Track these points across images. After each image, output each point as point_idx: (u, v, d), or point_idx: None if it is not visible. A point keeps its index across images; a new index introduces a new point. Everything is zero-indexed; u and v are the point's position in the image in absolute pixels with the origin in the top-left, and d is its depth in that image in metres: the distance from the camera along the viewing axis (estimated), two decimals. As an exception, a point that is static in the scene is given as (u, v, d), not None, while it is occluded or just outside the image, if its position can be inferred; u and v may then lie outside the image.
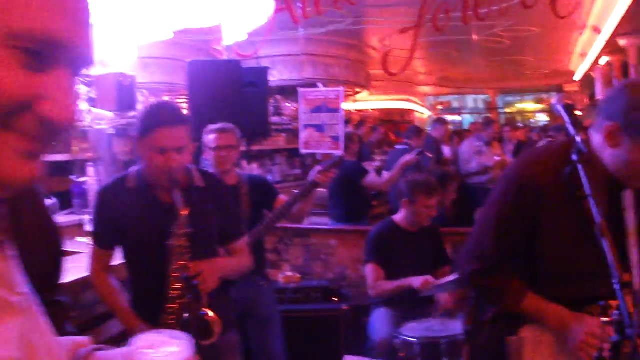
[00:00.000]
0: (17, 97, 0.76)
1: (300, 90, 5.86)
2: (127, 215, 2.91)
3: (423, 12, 5.19)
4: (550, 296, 2.32)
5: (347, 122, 13.17)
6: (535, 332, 2.35)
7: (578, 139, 2.00)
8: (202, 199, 2.95)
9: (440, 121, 10.10)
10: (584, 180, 1.93)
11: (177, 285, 2.65)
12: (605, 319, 1.89)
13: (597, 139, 2.16)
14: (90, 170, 5.95)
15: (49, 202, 5.50)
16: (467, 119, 21.35)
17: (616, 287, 1.76)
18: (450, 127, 10.56)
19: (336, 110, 5.62)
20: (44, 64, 0.78)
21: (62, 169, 6.04)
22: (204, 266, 2.75)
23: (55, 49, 0.77)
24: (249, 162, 9.09)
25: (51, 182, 5.99)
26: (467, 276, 2.49)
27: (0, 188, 0.81)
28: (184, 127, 2.78)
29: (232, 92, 5.58)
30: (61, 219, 5.39)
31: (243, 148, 6.80)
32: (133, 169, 3.01)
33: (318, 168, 4.21)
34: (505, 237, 2.36)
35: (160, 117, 2.75)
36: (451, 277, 4.18)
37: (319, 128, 5.64)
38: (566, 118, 2.06)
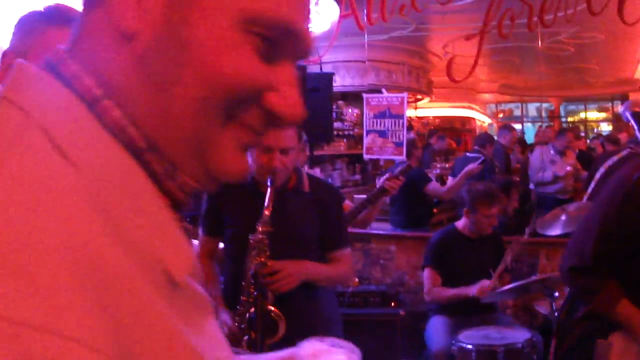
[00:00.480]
0: (251, 87, 0.71)
1: (365, 95, 5.91)
2: (230, 206, 3.01)
3: (488, 19, 5.17)
4: None
5: (409, 128, 13.20)
6: (625, 339, 2.34)
7: None
8: (305, 204, 3.00)
9: (507, 127, 9.85)
10: None
11: (251, 280, 2.70)
12: None
13: None
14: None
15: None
16: (528, 128, 21.07)
17: None
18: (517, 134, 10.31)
19: (400, 116, 5.65)
20: (278, 54, 0.73)
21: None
22: (284, 266, 2.78)
23: (289, 39, 0.73)
24: (311, 167, 9.16)
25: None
26: (564, 272, 2.50)
27: (214, 180, 0.76)
28: (293, 129, 2.83)
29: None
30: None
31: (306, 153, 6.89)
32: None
33: (387, 175, 4.21)
34: (606, 241, 2.36)
35: None
36: (512, 285, 4.18)
37: (382, 134, 5.67)
38: (636, 126, 2.05)
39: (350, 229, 4.50)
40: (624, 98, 18.63)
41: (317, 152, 9.62)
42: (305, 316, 2.97)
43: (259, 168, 2.84)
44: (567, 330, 2.59)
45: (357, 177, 10.33)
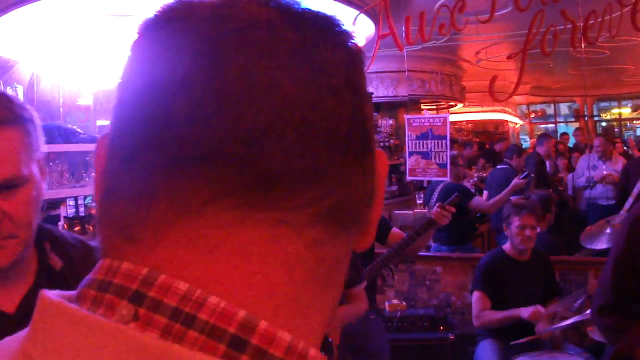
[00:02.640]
0: None
1: (406, 116, 5.88)
2: None
3: (530, 37, 5.10)
4: None
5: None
6: None
7: None
8: None
9: (545, 136, 9.70)
10: None
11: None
12: None
13: None
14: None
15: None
16: (561, 127, 20.84)
17: None
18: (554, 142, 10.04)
19: (442, 136, 5.61)
20: None
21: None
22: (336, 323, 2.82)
23: None
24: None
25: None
26: (593, 312, 2.48)
27: None
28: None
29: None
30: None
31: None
32: None
33: (437, 205, 4.18)
34: (621, 277, 2.33)
35: None
36: (574, 319, 4.11)
37: (425, 155, 5.63)
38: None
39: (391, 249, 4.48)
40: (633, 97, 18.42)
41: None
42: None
43: None
44: None
45: (394, 188, 10.28)
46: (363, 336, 4.27)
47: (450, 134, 13.15)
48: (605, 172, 8.97)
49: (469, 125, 16.20)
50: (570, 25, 5.32)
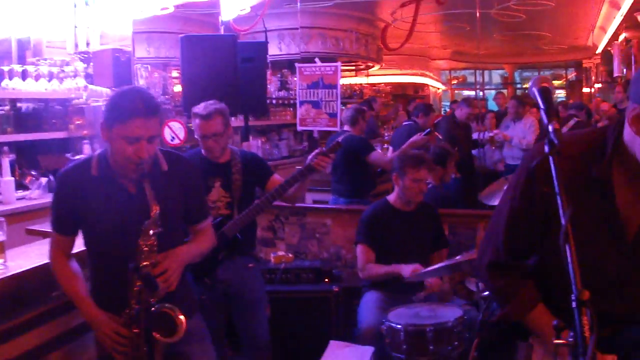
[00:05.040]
0: None
1: (297, 65, 5.72)
2: (90, 204, 2.80)
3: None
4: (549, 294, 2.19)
5: (359, 96, 13.04)
6: None
7: (551, 127, 1.79)
8: (166, 183, 2.86)
9: (467, 102, 9.52)
10: (554, 174, 1.74)
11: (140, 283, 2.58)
12: (559, 341, 1.62)
13: (627, 130, 1.96)
14: (87, 147, 5.89)
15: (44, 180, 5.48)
16: (491, 94, 21.02)
17: (573, 304, 1.54)
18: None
19: (333, 86, 5.49)
20: None
21: (59, 147, 5.98)
22: (169, 263, 2.71)
23: None
24: (255, 137, 8.98)
25: (47, 160, 5.94)
26: (482, 269, 2.32)
27: None
28: (158, 116, 2.70)
29: (228, 68, 5.42)
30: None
31: (241, 124, 6.70)
32: (95, 153, 2.89)
33: (316, 151, 4.09)
34: (516, 231, 2.20)
35: (135, 106, 2.62)
36: (439, 264, 4.07)
37: (316, 104, 5.51)
38: (541, 104, 1.88)
39: (283, 203, 4.39)
40: (578, 65, 18.71)
41: (261, 122, 9.45)
42: (180, 298, 2.85)
43: (124, 160, 2.69)
44: (488, 329, 2.46)
45: (305, 144, 10.16)
46: (239, 284, 4.17)
47: (368, 95, 13.17)
48: (492, 134, 9.09)
49: (388, 87, 16.14)
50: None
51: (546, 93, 1.90)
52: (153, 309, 2.48)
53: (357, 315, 4.48)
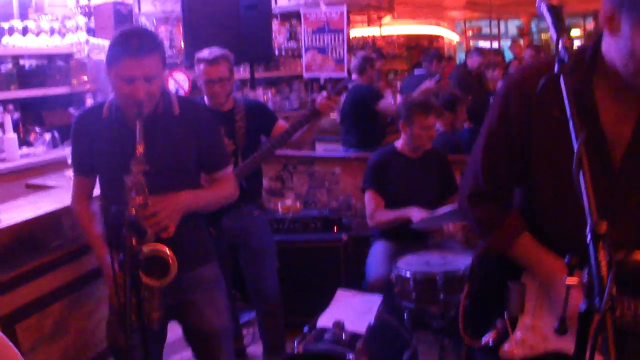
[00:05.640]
0: None
1: (302, 10, 5.57)
2: (99, 144, 2.81)
3: None
4: (540, 234, 2.05)
5: (372, 48, 12.82)
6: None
7: (561, 43, 1.65)
8: (177, 127, 2.81)
9: (478, 51, 9.37)
10: (564, 95, 1.59)
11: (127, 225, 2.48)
12: (571, 281, 1.47)
13: (606, 40, 1.82)
14: (89, 102, 5.83)
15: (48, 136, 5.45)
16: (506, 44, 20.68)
17: (588, 238, 1.35)
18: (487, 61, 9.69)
19: (339, 30, 5.34)
20: None
21: (62, 102, 5.94)
22: (164, 205, 2.63)
23: None
24: (265, 89, 8.84)
25: (51, 116, 5.91)
26: (463, 202, 2.19)
27: None
28: (155, 55, 2.64)
29: (231, 16, 5.27)
30: (62, 152, 5.30)
31: (246, 75, 6.57)
32: (110, 97, 2.87)
33: (322, 93, 3.99)
34: (494, 154, 2.06)
35: (128, 45, 2.59)
36: (446, 208, 3.96)
37: (322, 50, 5.37)
38: (549, 19, 1.72)
39: (291, 152, 4.29)
40: (596, 15, 18.31)
41: (272, 74, 9.30)
42: (192, 246, 2.89)
43: (124, 100, 2.68)
44: (477, 271, 2.32)
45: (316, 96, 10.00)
46: (245, 233, 4.10)
47: (380, 47, 12.96)
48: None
49: (401, 39, 15.85)
50: None
51: (555, 9, 1.74)
52: (142, 252, 2.38)
53: (366, 264, 4.39)
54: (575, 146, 1.45)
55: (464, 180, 2.22)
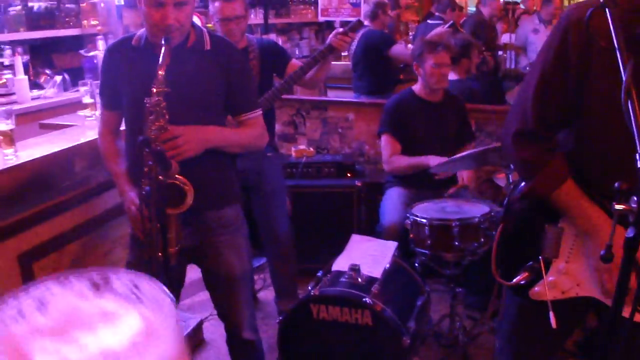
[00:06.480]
0: None
1: (317, -48, 5.47)
2: (127, 74, 2.77)
3: None
4: (589, 177, 2.01)
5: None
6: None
7: None
8: (207, 62, 2.76)
9: None
10: (612, 27, 1.54)
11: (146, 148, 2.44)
12: (620, 206, 1.43)
13: None
14: (101, 43, 5.75)
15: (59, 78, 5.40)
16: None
17: (638, 163, 1.35)
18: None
19: (355, -28, 5.25)
20: None
21: (73, 45, 5.87)
22: (184, 131, 2.59)
23: None
24: (276, 36, 8.75)
25: (62, 59, 5.84)
26: (507, 141, 2.11)
27: None
28: None
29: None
30: (73, 95, 5.25)
31: (260, 20, 6.47)
32: (141, 29, 2.83)
33: (335, 31, 3.95)
34: (548, 93, 2.00)
35: None
36: (467, 152, 3.91)
37: (338, -7, 5.29)
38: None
39: (304, 96, 4.24)
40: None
41: (283, 20, 9.19)
42: (215, 185, 2.85)
43: (152, 27, 2.63)
44: (513, 212, 2.28)
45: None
46: (257, 174, 4.07)
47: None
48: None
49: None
50: None
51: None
52: (160, 182, 2.35)
53: (380, 210, 4.37)
54: (624, 76, 1.42)
55: (509, 119, 2.14)
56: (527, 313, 2.24)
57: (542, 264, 2.06)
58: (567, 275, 2.08)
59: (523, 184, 2.14)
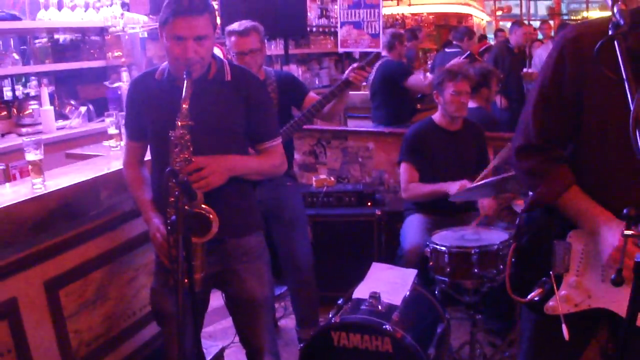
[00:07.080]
0: None
1: (338, -15, 5.56)
2: (151, 107, 2.85)
3: None
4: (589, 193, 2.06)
5: (401, 26, 12.74)
6: (585, 238, 2.09)
7: (616, 8, 1.63)
8: (228, 93, 2.83)
9: (517, 23, 8.92)
10: (620, 58, 1.60)
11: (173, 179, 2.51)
12: (629, 232, 1.52)
13: None
14: (125, 75, 5.87)
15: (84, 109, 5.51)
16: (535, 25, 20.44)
17: None
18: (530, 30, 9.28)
19: (375, 5, 5.32)
20: None
21: (97, 76, 5.98)
22: (209, 162, 2.66)
23: None
24: (297, 65, 8.85)
25: (86, 90, 5.95)
26: (512, 155, 2.21)
27: None
28: (205, 15, 2.66)
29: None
30: (97, 125, 5.35)
31: (281, 52, 6.56)
32: (164, 63, 2.91)
33: (353, 65, 4.00)
34: (546, 109, 2.08)
35: (178, 5, 2.61)
36: (486, 180, 3.94)
37: (357, 25, 5.36)
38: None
39: (324, 126, 4.30)
40: (630, -3, 17.98)
41: (303, 51, 9.29)
42: (238, 213, 2.91)
43: (174, 60, 2.70)
44: (523, 229, 2.33)
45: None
46: (277, 203, 4.12)
47: (410, 25, 12.86)
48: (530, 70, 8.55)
49: (431, 17, 15.75)
50: None
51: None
52: (185, 212, 2.41)
53: (400, 237, 4.40)
54: (632, 107, 1.47)
55: (514, 136, 2.23)
56: (543, 328, 2.30)
57: (553, 279, 2.13)
58: (579, 288, 2.14)
59: (530, 194, 2.19)
